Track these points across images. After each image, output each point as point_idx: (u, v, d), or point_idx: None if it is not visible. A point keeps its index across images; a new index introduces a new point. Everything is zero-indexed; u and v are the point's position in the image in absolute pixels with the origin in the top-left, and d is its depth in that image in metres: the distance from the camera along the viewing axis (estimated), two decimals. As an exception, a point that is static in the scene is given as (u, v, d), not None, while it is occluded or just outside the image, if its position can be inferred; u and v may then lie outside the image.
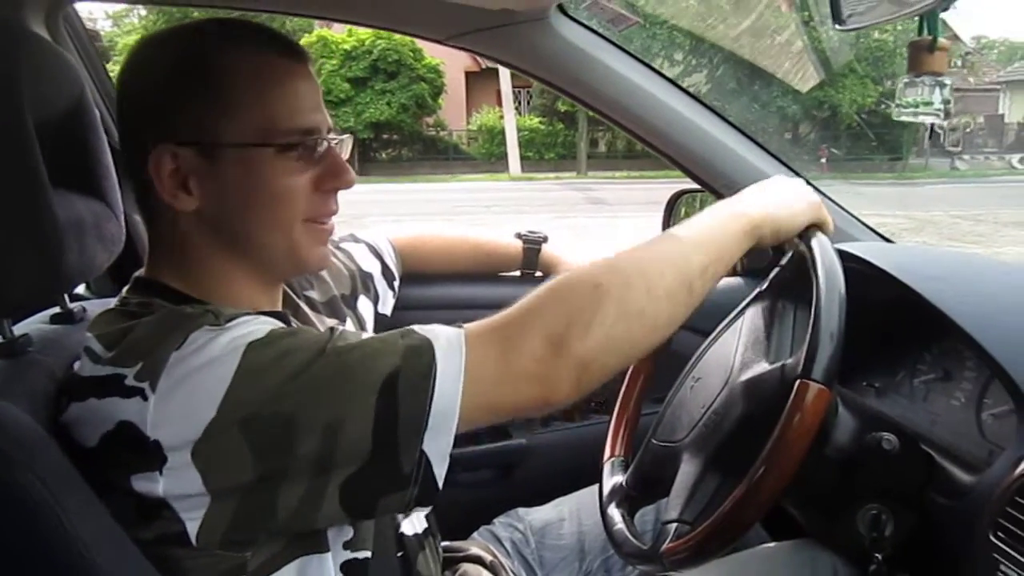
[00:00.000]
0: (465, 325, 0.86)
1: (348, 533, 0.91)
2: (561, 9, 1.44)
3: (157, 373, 0.77)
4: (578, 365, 0.84)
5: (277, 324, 0.84)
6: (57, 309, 1.06)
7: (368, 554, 0.93)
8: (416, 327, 0.85)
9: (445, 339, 0.83)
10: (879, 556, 0.94)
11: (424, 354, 0.81)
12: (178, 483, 0.77)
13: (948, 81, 0.95)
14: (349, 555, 0.92)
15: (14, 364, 0.90)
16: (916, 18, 0.99)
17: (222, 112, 0.87)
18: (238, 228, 0.91)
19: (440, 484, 0.82)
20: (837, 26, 0.98)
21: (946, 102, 0.96)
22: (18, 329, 0.95)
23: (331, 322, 1.16)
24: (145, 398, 0.76)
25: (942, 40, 0.94)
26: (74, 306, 1.07)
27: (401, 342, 0.82)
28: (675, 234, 0.97)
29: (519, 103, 24.40)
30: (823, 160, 19.68)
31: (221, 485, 0.77)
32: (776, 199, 1.05)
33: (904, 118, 0.98)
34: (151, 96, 0.90)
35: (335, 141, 0.94)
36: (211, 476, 0.76)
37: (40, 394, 0.86)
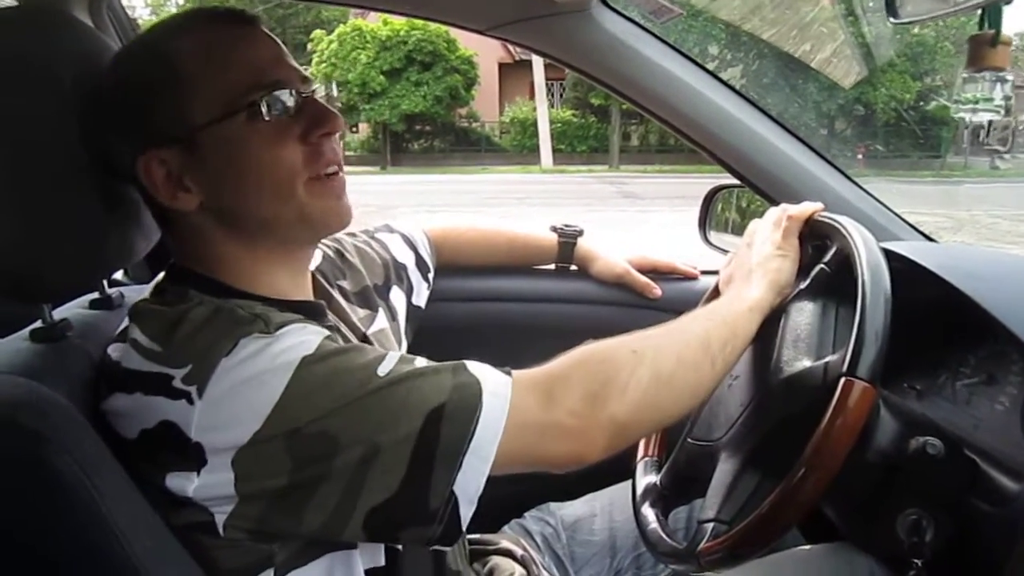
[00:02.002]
0: (513, 372, 0.86)
1: None
2: (603, 0, 1.42)
3: (205, 379, 0.77)
4: (612, 424, 0.86)
5: (324, 334, 0.84)
6: (96, 295, 1.07)
7: (399, 547, 0.93)
8: (468, 364, 0.85)
9: (493, 382, 0.83)
10: (918, 562, 0.92)
11: (471, 394, 0.81)
12: (211, 485, 0.78)
13: (1010, 77, 0.92)
14: (379, 546, 0.92)
15: (53, 348, 0.91)
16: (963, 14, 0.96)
17: (187, 98, 0.86)
18: (242, 211, 0.90)
19: (464, 527, 0.82)
20: (892, 19, 0.95)
21: (1007, 98, 0.94)
22: (57, 314, 0.96)
23: (363, 313, 1.16)
24: (191, 402, 0.77)
25: (1005, 34, 0.91)
26: (112, 292, 1.08)
27: (451, 377, 0.82)
28: (695, 315, 1.03)
29: (552, 95, 24.35)
30: (860, 157, 19.43)
31: (251, 490, 0.78)
32: (764, 262, 1.08)
33: (962, 115, 0.95)
34: (120, 109, 0.89)
35: (310, 91, 0.92)
36: (244, 481, 0.77)
37: (78, 378, 0.87)
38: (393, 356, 0.84)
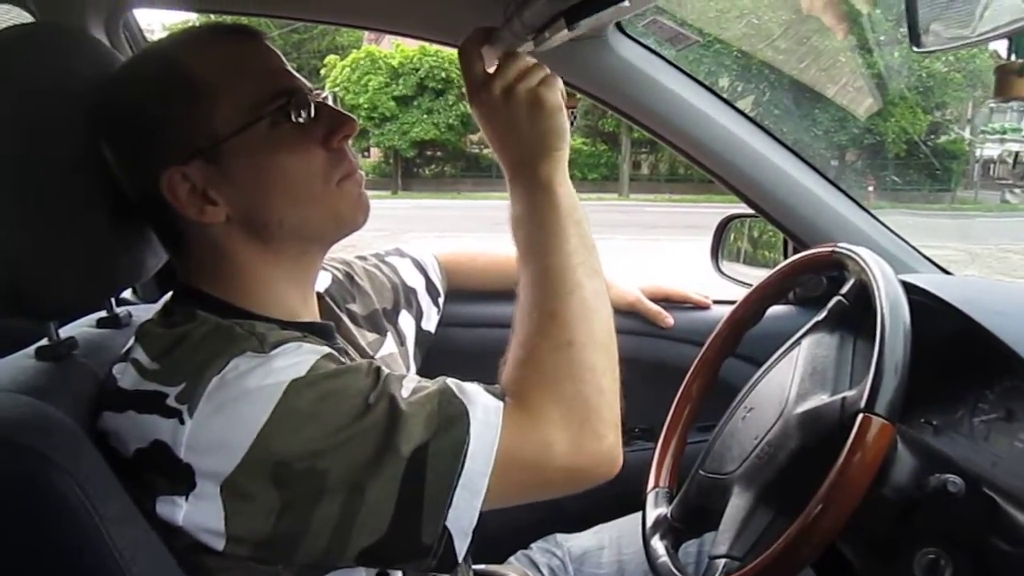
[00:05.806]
0: (506, 397, 0.84)
1: None
2: (619, 27, 1.42)
3: (197, 397, 0.76)
4: (604, 453, 0.85)
5: (322, 353, 0.83)
6: (103, 313, 1.06)
7: (399, 574, 0.92)
8: (457, 389, 0.83)
9: (483, 411, 0.81)
10: (936, 602, 0.90)
11: (457, 428, 0.79)
12: (200, 514, 0.77)
13: (1040, 107, 0.91)
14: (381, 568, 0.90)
15: (59, 367, 0.90)
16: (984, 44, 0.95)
17: (207, 111, 0.85)
18: (271, 219, 0.89)
19: (460, 557, 0.81)
20: (915, 48, 0.95)
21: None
22: (64, 332, 0.95)
23: (371, 337, 1.15)
24: (182, 421, 0.76)
25: (1034, 63, 0.89)
26: (120, 311, 1.07)
27: (438, 409, 0.80)
28: (571, 260, 0.93)
29: (563, 123, 24.46)
30: (870, 189, 19.42)
31: (239, 532, 0.77)
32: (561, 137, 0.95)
33: (987, 146, 0.94)
34: (139, 125, 0.88)
35: (321, 96, 0.93)
36: (232, 519, 0.76)
37: (83, 398, 0.86)
38: (384, 382, 0.82)
